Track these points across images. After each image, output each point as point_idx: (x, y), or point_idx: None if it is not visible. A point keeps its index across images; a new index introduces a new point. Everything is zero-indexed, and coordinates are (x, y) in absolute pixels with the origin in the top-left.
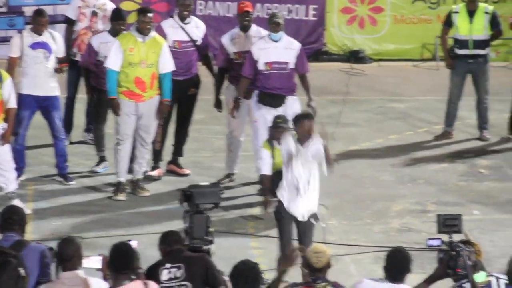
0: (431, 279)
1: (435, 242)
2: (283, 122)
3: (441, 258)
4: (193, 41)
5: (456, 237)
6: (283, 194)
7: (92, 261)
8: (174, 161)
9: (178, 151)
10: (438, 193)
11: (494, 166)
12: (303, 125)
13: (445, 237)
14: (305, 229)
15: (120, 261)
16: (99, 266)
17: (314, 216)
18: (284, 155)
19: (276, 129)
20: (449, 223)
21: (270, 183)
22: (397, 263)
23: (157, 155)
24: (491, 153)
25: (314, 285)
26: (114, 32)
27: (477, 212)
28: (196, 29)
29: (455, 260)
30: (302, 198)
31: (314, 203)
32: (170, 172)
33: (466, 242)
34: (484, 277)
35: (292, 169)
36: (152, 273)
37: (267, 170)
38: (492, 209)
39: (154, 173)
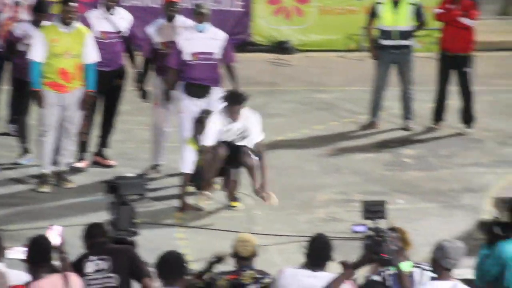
0: (357, 264)
1: (360, 228)
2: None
3: (367, 243)
4: (119, 32)
5: (381, 224)
6: None
7: (16, 251)
8: (99, 153)
9: (104, 142)
10: (363, 183)
11: (418, 155)
12: (232, 109)
13: (370, 224)
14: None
15: (38, 254)
16: (23, 257)
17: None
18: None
19: (202, 124)
20: (373, 209)
21: (189, 183)
22: (317, 250)
23: (83, 147)
24: (415, 142)
25: (241, 273)
26: (36, 23)
27: (401, 201)
28: (122, 20)
29: (380, 245)
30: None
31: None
32: (95, 163)
33: (392, 229)
34: (409, 267)
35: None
36: (77, 267)
37: (188, 169)
38: (416, 198)
39: (81, 164)
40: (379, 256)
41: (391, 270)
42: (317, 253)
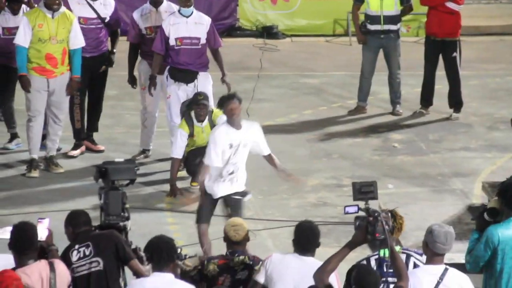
0: (352, 245)
1: (352, 209)
2: (204, 99)
3: (359, 224)
4: (101, 18)
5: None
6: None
7: (7, 231)
8: (88, 138)
9: (92, 127)
10: (353, 168)
11: (407, 140)
12: (228, 106)
13: (361, 204)
14: (235, 207)
15: (22, 241)
16: None
17: (243, 194)
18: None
19: (198, 106)
20: (364, 190)
21: (178, 168)
22: (304, 236)
23: (78, 134)
24: (404, 127)
25: (232, 258)
26: (14, 11)
27: (391, 186)
28: (104, 6)
29: (374, 226)
30: (226, 182)
31: (242, 184)
32: (85, 148)
33: (384, 211)
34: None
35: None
36: (64, 258)
37: (178, 154)
38: (405, 183)
39: (77, 152)
40: (373, 237)
41: (379, 254)
42: (304, 239)
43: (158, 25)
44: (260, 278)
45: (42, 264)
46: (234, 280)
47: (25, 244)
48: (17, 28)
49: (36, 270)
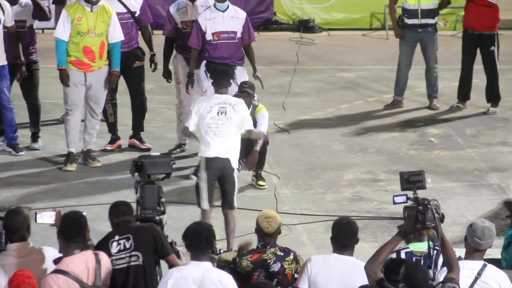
0: (403, 234)
1: (401, 199)
2: (248, 87)
3: (409, 214)
4: (131, 12)
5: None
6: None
7: (46, 216)
8: (135, 136)
9: (138, 125)
10: (389, 162)
11: (443, 134)
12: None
13: (410, 194)
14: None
15: (71, 229)
16: (52, 221)
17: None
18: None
19: (241, 94)
20: (412, 179)
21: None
22: (342, 233)
23: (112, 128)
24: (440, 121)
25: (264, 250)
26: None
27: (429, 180)
28: (134, 0)
29: (424, 214)
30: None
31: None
32: (131, 146)
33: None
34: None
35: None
36: (102, 247)
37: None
38: (442, 178)
39: (112, 146)
40: (423, 225)
41: (409, 248)
42: (343, 235)
43: (194, 19)
44: (303, 285)
45: (88, 254)
46: (268, 274)
47: (74, 232)
48: (19, 21)
49: (83, 260)
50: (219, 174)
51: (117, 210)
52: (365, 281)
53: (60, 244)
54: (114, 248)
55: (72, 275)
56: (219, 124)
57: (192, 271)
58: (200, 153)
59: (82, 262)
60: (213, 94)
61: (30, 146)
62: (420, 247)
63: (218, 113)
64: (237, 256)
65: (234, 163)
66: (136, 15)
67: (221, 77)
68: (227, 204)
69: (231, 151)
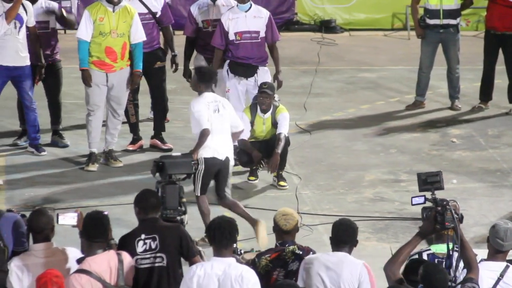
0: (422, 235)
1: (419, 200)
2: (268, 88)
3: (428, 215)
4: (152, 13)
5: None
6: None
7: (68, 217)
8: (156, 136)
9: (159, 126)
10: (410, 163)
11: (465, 135)
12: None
13: (428, 195)
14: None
15: (94, 229)
16: (75, 223)
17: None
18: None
19: (260, 94)
20: (430, 180)
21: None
22: (339, 233)
23: (134, 128)
24: (462, 122)
25: (283, 249)
26: None
27: (455, 181)
28: (155, 1)
29: (443, 215)
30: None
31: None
32: (152, 147)
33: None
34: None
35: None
36: (127, 244)
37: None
38: (464, 178)
39: (133, 147)
40: (442, 226)
41: (431, 250)
42: (339, 236)
43: (215, 18)
44: (300, 284)
45: (111, 254)
46: (286, 272)
47: (96, 232)
48: (42, 22)
49: (105, 259)
50: (216, 171)
51: (147, 204)
52: (351, 275)
53: (83, 244)
54: (140, 247)
55: (94, 275)
56: (218, 121)
57: (215, 268)
58: (200, 153)
59: (104, 262)
60: (207, 94)
61: (59, 143)
62: (442, 248)
63: (214, 111)
64: (256, 257)
65: (231, 159)
66: (157, 15)
67: (206, 77)
68: (224, 198)
69: (229, 148)
